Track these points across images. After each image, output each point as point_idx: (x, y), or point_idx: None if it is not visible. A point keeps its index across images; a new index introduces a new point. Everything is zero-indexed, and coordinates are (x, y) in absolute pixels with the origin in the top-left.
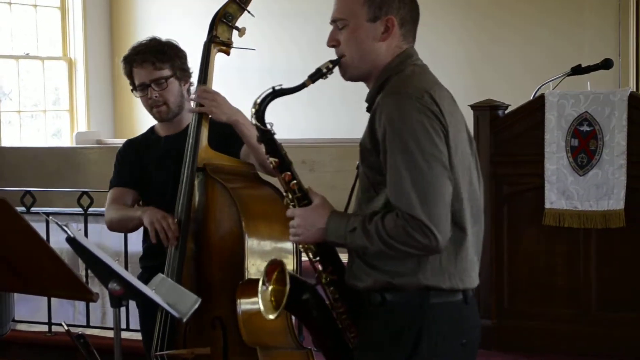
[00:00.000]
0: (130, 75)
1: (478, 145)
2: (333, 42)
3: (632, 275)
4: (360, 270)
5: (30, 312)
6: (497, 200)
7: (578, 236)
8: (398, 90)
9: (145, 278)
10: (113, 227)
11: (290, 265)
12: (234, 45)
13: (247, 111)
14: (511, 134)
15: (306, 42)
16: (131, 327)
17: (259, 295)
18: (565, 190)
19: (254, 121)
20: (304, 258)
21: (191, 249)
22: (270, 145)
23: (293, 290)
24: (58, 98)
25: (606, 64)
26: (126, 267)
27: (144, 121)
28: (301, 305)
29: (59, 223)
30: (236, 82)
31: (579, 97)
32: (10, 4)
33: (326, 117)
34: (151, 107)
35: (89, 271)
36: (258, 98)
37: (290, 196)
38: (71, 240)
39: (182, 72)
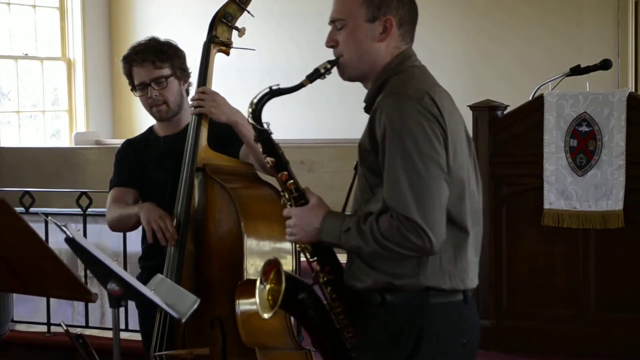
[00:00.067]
0: (129, 74)
1: (477, 146)
2: (332, 43)
3: (630, 276)
4: (360, 271)
5: (29, 312)
6: (496, 200)
7: (577, 237)
8: (398, 91)
9: (145, 278)
10: (114, 226)
11: (289, 265)
12: (234, 45)
13: (246, 111)
14: (510, 135)
15: (306, 42)
16: (130, 327)
17: (256, 294)
18: (564, 190)
19: (250, 120)
20: (303, 258)
21: (190, 249)
22: (267, 145)
23: (289, 289)
24: (57, 98)
25: (605, 65)
26: (125, 268)
27: (143, 121)
28: (298, 305)
29: (58, 223)
30: (236, 83)
31: (578, 97)
32: (9, 4)
33: (324, 118)
34: (151, 106)
35: (88, 272)
36: (255, 97)
37: (287, 196)
38: (70, 241)
39: (182, 72)
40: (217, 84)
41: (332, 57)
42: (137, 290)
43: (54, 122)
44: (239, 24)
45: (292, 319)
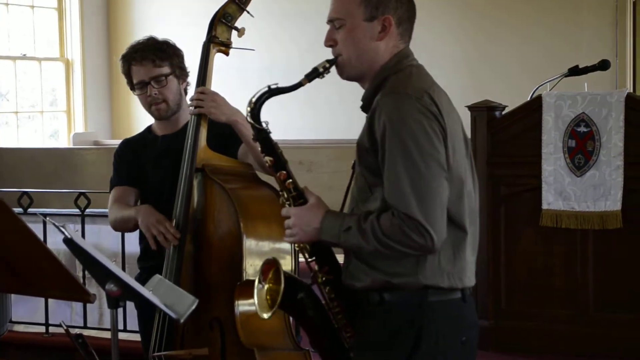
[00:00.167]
0: (128, 73)
1: (475, 146)
2: (330, 42)
3: (629, 276)
4: (359, 270)
5: (28, 313)
6: (495, 201)
7: (575, 237)
8: (397, 91)
9: (144, 279)
10: (116, 228)
11: (288, 265)
12: (233, 45)
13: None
14: (508, 135)
15: (305, 42)
16: (128, 328)
17: (255, 294)
18: (563, 191)
19: (249, 119)
20: (302, 258)
21: (189, 249)
22: (266, 144)
23: (288, 289)
24: (55, 99)
25: (603, 65)
26: (123, 268)
27: (141, 122)
28: (296, 305)
29: (56, 224)
30: (235, 82)
31: (576, 98)
32: (7, 4)
33: (323, 117)
34: (150, 104)
35: (87, 272)
36: (253, 97)
37: (285, 195)
38: (68, 241)
39: (180, 71)
40: (216, 84)
41: (331, 57)
42: (135, 291)
43: (52, 122)
44: (238, 24)
45: (290, 319)
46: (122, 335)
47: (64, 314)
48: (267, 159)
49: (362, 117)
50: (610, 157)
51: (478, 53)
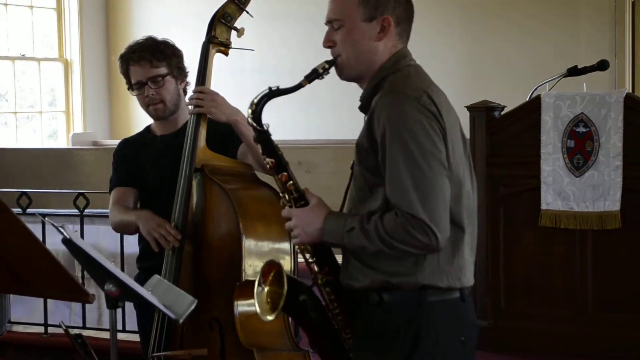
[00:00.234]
0: (126, 73)
1: (474, 147)
2: (329, 43)
3: (628, 276)
4: (357, 271)
5: (27, 313)
6: (494, 201)
7: (574, 237)
8: (396, 91)
9: (142, 279)
10: (117, 230)
11: (287, 265)
12: (232, 45)
13: (243, 112)
14: (507, 135)
15: (296, 42)
16: (127, 328)
17: (255, 297)
18: (562, 191)
19: (250, 121)
20: (301, 259)
21: (189, 250)
22: (267, 146)
23: (290, 291)
24: (54, 99)
25: (602, 65)
26: (122, 268)
27: (140, 122)
28: (298, 307)
29: (55, 224)
30: (230, 83)
31: (575, 98)
32: (6, 5)
33: (322, 118)
34: (147, 105)
35: (85, 272)
36: (255, 98)
37: (286, 197)
38: (67, 242)
39: (179, 71)
40: (214, 85)
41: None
42: (134, 291)
43: (51, 123)
44: (237, 24)
45: (289, 319)
46: (121, 336)
47: (63, 314)
48: (269, 160)
49: (360, 118)
50: (609, 157)
51: (477, 54)
